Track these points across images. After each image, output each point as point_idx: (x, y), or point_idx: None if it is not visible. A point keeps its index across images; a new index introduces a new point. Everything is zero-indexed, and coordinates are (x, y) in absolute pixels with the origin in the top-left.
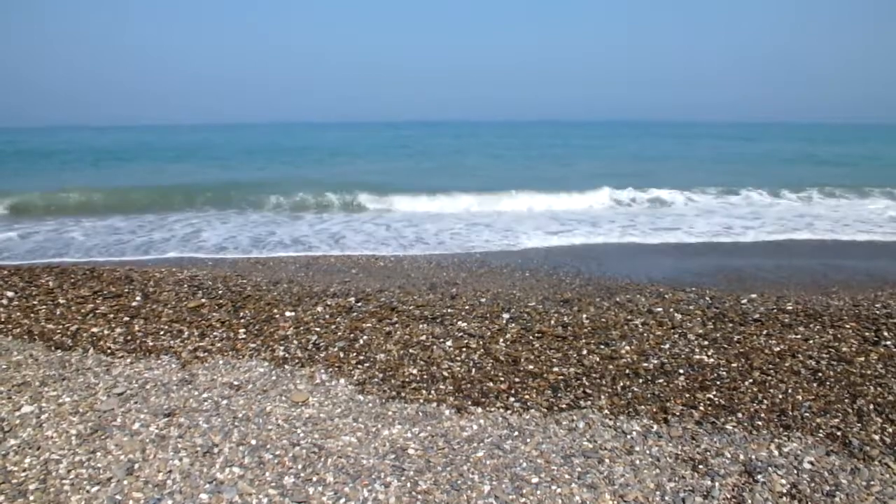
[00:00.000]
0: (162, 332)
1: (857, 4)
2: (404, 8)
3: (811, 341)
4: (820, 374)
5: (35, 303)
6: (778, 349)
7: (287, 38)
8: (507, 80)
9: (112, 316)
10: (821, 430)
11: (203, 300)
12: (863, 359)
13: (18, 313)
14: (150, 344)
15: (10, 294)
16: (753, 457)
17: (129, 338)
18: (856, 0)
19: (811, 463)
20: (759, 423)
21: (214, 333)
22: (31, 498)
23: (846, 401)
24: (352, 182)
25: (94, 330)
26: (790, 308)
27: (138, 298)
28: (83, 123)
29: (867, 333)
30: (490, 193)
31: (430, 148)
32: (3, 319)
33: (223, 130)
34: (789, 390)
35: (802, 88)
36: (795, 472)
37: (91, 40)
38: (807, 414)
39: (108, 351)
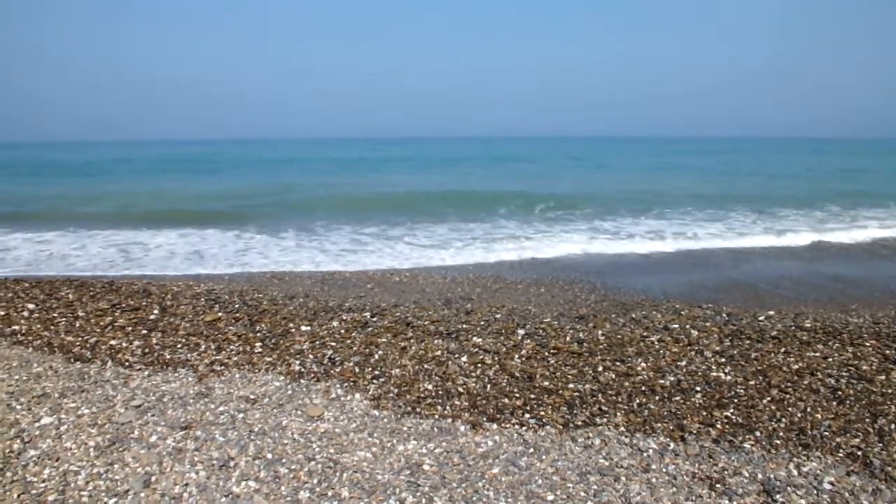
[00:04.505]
0: (179, 346)
1: None
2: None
3: (830, 359)
4: (839, 393)
5: (55, 315)
6: (796, 367)
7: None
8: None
9: (130, 329)
10: (841, 450)
11: (220, 314)
12: (883, 377)
13: (39, 325)
14: (168, 357)
15: (30, 306)
16: (772, 476)
17: (146, 350)
18: None
19: (831, 483)
20: (778, 441)
21: (231, 347)
22: None
23: (867, 420)
24: None
25: (113, 342)
26: (808, 325)
27: (156, 311)
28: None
29: (888, 351)
30: None
31: None
32: (23, 331)
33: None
34: (808, 409)
35: None
36: (815, 492)
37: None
38: (826, 433)
39: (126, 363)
